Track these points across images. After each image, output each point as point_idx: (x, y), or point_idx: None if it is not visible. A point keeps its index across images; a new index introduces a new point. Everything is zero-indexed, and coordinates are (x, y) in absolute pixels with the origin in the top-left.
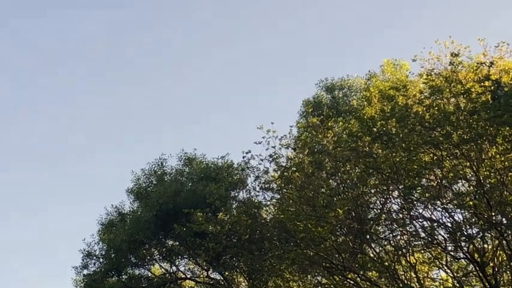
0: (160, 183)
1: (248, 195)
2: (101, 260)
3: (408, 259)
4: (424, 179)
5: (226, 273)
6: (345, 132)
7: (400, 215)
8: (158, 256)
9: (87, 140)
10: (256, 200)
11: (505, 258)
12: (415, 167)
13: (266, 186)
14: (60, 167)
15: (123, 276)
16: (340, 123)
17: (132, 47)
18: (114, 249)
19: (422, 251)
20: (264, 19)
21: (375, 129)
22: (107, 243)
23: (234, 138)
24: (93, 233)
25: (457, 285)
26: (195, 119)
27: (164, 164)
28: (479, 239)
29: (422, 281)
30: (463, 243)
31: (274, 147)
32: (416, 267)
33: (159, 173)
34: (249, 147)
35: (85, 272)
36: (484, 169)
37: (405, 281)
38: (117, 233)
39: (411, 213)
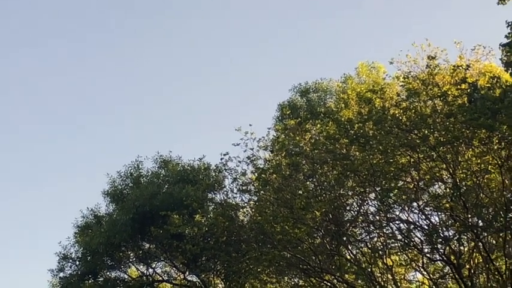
0: (137, 185)
1: (225, 197)
2: (77, 262)
3: (385, 261)
4: (401, 181)
5: (203, 275)
6: (322, 135)
7: (377, 217)
8: (135, 259)
9: None
10: (233, 202)
11: (481, 260)
12: (392, 169)
13: (243, 188)
14: None
15: (100, 279)
16: (318, 125)
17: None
18: (91, 252)
19: (399, 253)
20: (239, 22)
21: (352, 131)
22: (83, 246)
23: (211, 141)
24: (68, 236)
25: (434, 287)
26: (173, 122)
27: (140, 166)
28: (455, 241)
29: (399, 283)
30: (439, 245)
31: (252, 149)
32: (393, 269)
33: (135, 175)
34: (227, 150)
35: (61, 274)
36: (461, 171)
37: (382, 283)
38: (93, 235)
39: (388, 215)
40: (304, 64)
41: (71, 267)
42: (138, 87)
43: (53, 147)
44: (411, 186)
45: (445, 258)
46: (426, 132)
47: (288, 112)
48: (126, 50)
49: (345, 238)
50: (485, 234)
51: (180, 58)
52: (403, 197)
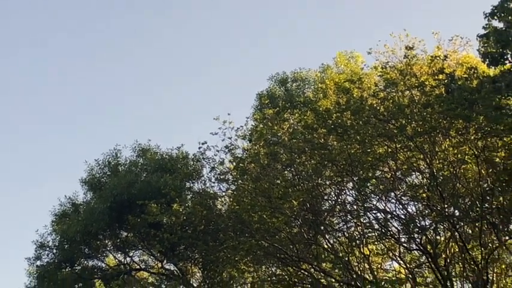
0: (115, 174)
1: (203, 186)
2: (54, 251)
3: (362, 250)
4: (379, 171)
5: (181, 264)
6: (300, 124)
7: (354, 207)
8: (112, 247)
9: None
10: (211, 191)
11: (457, 250)
12: (370, 159)
13: (221, 177)
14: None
15: (77, 268)
16: (296, 115)
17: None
18: (68, 240)
19: (375, 243)
20: (218, 13)
21: (330, 121)
22: (60, 234)
23: (189, 130)
24: (46, 224)
25: (410, 276)
26: (151, 112)
27: (118, 155)
28: (432, 231)
29: (375, 272)
30: (416, 235)
31: (230, 138)
32: (370, 258)
33: (113, 164)
34: (205, 139)
35: (38, 263)
36: (437, 161)
37: (358, 272)
38: (71, 224)
39: (365, 204)
40: (284, 54)
41: (48, 255)
42: (117, 78)
43: (31, 136)
44: (388, 176)
45: (421, 248)
46: (404, 122)
47: (266, 101)
48: (103, 40)
49: (322, 227)
50: (462, 224)
51: (158, 48)
52: (381, 186)
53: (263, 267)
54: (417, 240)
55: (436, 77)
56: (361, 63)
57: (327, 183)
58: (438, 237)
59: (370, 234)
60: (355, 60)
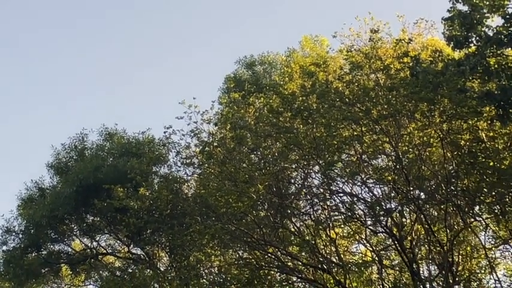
0: (81, 158)
1: (169, 171)
2: (20, 236)
3: (328, 233)
4: (344, 154)
5: (148, 248)
6: (266, 108)
7: (321, 190)
8: (78, 231)
9: None
10: (177, 175)
11: (422, 232)
12: (335, 142)
13: (187, 161)
14: None
15: (43, 252)
16: (262, 98)
17: None
18: (34, 224)
19: (342, 226)
20: None
21: (295, 105)
22: (26, 219)
23: (155, 114)
24: (11, 209)
25: (376, 259)
26: (117, 95)
27: (85, 139)
28: (397, 214)
29: (342, 255)
30: (382, 218)
31: (196, 122)
32: (336, 241)
33: (79, 148)
34: (170, 123)
35: (4, 248)
36: (403, 144)
37: (325, 255)
38: (37, 208)
39: (331, 188)
40: (250, 37)
41: (14, 240)
42: (83, 59)
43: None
44: (354, 159)
45: (387, 230)
46: (369, 105)
47: (232, 85)
48: (74, 19)
49: (288, 211)
50: (427, 207)
51: (126, 29)
52: (347, 170)
53: (230, 251)
54: (383, 223)
55: (401, 60)
56: (327, 46)
57: (293, 166)
58: (404, 219)
59: (336, 218)
60: (320, 44)
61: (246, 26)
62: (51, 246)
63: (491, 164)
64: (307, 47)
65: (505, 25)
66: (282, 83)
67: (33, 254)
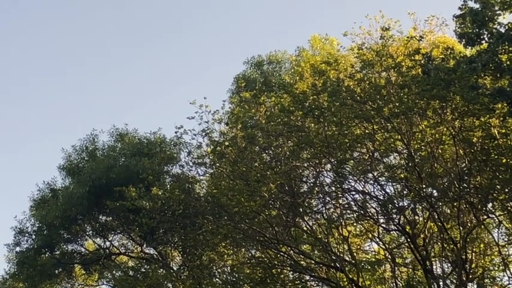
0: (93, 158)
1: (181, 170)
2: (34, 236)
3: (341, 232)
4: (356, 153)
5: (160, 247)
6: (277, 107)
7: (333, 188)
8: (91, 232)
9: None
10: (189, 175)
11: (435, 230)
12: (347, 140)
13: (199, 161)
14: None
15: (56, 253)
16: (273, 98)
17: None
18: (47, 225)
19: (354, 224)
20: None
21: (306, 103)
22: (39, 220)
23: (166, 114)
24: (24, 210)
25: (389, 256)
26: (127, 95)
27: (96, 140)
28: (410, 211)
29: (354, 253)
30: (394, 216)
31: (207, 122)
32: (349, 239)
33: (90, 149)
34: (182, 123)
35: (17, 249)
36: (415, 142)
37: (338, 254)
38: (50, 209)
39: (343, 186)
40: (260, 37)
41: (27, 241)
42: (94, 58)
43: (7, 122)
44: (366, 157)
45: (400, 228)
46: (380, 103)
47: (243, 84)
48: (81, 18)
49: (301, 209)
50: (440, 204)
51: (134, 29)
52: (359, 168)
53: (242, 250)
54: (396, 220)
55: (413, 57)
56: (337, 45)
57: (305, 165)
58: (416, 217)
59: (348, 216)
60: (330, 43)
61: (255, 27)
62: (64, 246)
63: (504, 160)
64: (317, 46)
65: None
66: (292, 82)
67: (47, 255)
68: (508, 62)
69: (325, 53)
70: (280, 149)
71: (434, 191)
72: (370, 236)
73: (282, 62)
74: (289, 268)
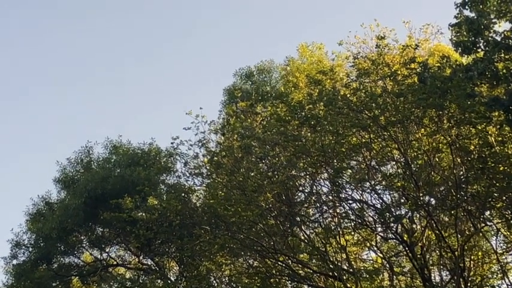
0: (88, 170)
1: (177, 181)
2: (30, 249)
3: (338, 241)
4: (353, 161)
5: (158, 258)
6: (273, 117)
7: (330, 197)
8: (88, 243)
9: None
10: (185, 185)
11: (433, 238)
12: (343, 149)
13: (196, 171)
14: None
15: (54, 265)
16: (268, 108)
17: None
18: (43, 238)
19: (352, 233)
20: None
21: (302, 113)
22: (36, 233)
23: (159, 125)
24: (20, 223)
25: (387, 265)
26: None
27: (91, 152)
28: (407, 220)
29: (352, 262)
30: (392, 224)
31: (203, 132)
32: (347, 248)
33: (85, 161)
34: (176, 133)
35: (14, 262)
36: (412, 150)
37: (336, 262)
38: (46, 221)
39: (340, 195)
40: (250, 46)
41: (24, 254)
42: (87, 69)
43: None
44: (363, 166)
45: (398, 237)
46: (377, 112)
47: (239, 94)
48: (75, 28)
49: (298, 219)
50: (437, 212)
51: (128, 41)
52: (356, 176)
53: (240, 259)
54: (393, 229)
55: (408, 66)
56: (332, 53)
57: (301, 174)
58: (414, 225)
59: (346, 225)
60: (317, 49)
61: (244, 36)
62: (61, 258)
63: (501, 168)
64: (305, 54)
65: None
66: (287, 92)
67: (44, 267)
68: (504, 70)
69: (314, 60)
70: (276, 159)
71: (432, 199)
72: (368, 244)
73: (272, 72)
74: (287, 277)
